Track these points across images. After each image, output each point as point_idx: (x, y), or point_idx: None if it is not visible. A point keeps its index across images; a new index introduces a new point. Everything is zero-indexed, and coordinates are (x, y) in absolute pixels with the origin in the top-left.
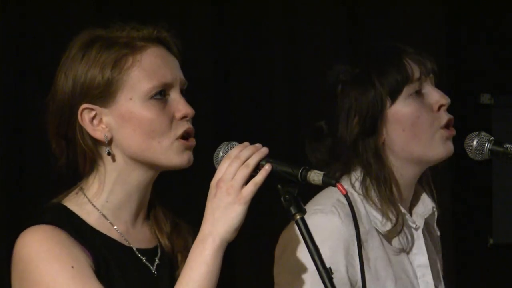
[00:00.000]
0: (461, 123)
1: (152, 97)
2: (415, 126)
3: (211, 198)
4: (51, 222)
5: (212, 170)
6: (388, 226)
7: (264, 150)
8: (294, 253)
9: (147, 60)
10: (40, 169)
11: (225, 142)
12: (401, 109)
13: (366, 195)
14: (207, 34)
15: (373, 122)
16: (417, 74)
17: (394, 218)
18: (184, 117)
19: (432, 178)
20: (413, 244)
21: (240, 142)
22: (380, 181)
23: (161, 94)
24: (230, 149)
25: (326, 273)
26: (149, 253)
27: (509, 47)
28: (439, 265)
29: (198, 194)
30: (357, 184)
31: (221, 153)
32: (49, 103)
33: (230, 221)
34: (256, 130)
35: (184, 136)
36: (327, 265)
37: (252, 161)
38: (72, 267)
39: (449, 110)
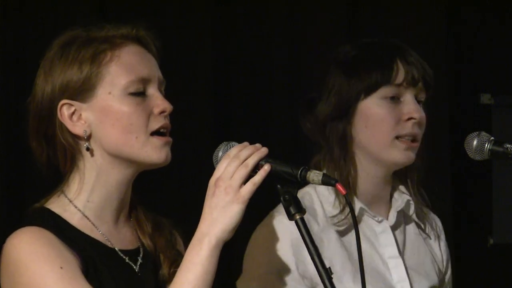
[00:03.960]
0: (461, 123)
1: (130, 93)
2: (376, 127)
3: (209, 197)
4: (37, 224)
5: (211, 170)
6: (336, 211)
7: (264, 150)
8: (252, 262)
9: (125, 56)
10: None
11: (224, 142)
12: (370, 107)
13: None
14: (207, 34)
15: (346, 108)
16: (399, 79)
17: (341, 206)
18: (162, 112)
19: (419, 177)
20: (379, 236)
21: (240, 142)
22: (339, 166)
23: (139, 90)
24: (230, 149)
25: (326, 273)
26: (132, 253)
27: (509, 47)
28: (429, 257)
29: (197, 194)
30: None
31: (220, 153)
32: (29, 104)
33: (228, 221)
34: (256, 130)
35: (160, 132)
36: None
37: (251, 161)
38: (61, 267)
39: (449, 110)
